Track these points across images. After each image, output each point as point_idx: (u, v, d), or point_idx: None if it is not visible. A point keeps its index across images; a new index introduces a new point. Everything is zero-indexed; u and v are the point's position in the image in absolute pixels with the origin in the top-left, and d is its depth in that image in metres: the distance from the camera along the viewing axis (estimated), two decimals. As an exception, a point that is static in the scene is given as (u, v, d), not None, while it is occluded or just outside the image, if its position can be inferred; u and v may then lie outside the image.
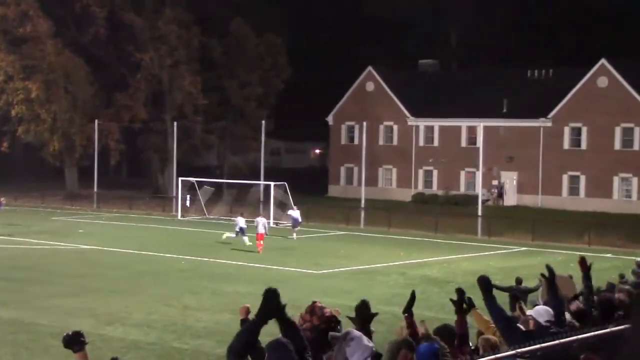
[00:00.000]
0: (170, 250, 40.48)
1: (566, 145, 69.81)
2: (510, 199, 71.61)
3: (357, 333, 6.72)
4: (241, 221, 42.81)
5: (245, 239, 42.11)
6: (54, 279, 32.04)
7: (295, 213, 47.57)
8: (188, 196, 61.73)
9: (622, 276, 25.65)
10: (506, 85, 72.30)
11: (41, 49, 73.41)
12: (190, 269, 35.16)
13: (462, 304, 10.21)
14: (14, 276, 32.12)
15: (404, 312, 10.05)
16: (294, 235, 46.74)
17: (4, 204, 52.71)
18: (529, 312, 11.12)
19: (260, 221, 42.22)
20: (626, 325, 8.56)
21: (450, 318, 15.81)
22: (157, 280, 32.11)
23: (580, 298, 15.36)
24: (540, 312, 10.32)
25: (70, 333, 6.83)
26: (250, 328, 6.34)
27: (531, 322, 10.59)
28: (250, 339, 6.30)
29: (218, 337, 22.64)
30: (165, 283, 31.59)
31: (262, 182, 61.30)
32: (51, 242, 43.59)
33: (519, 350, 6.95)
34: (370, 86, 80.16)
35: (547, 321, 10.12)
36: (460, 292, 10.54)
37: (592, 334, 8.66)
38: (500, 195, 71.57)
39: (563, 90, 69.21)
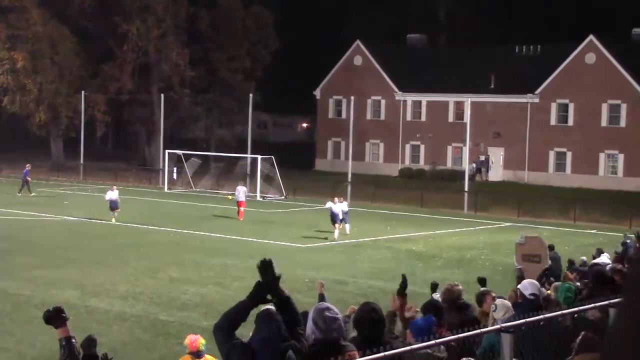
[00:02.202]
0: (157, 222, 40.41)
1: (553, 121, 69.89)
2: (497, 174, 71.76)
3: (326, 304, 6.80)
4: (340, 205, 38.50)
5: (347, 226, 38.83)
6: (39, 250, 31.96)
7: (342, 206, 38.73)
8: (175, 168, 61.62)
9: (600, 250, 25.83)
10: (494, 61, 72.24)
11: (27, 18, 72.80)
12: (176, 242, 35.12)
13: (405, 289, 10.31)
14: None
15: (398, 294, 10.06)
16: (347, 227, 39.02)
17: (28, 170, 54.44)
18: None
19: (241, 189, 44.43)
20: (616, 300, 8.62)
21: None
22: (143, 253, 32.07)
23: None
24: (525, 285, 10.48)
25: (51, 309, 6.80)
26: (240, 307, 6.36)
27: (517, 295, 10.69)
28: (239, 318, 6.33)
29: (204, 309, 22.68)
30: (151, 255, 31.56)
31: (249, 156, 61.21)
32: (36, 213, 43.45)
33: (503, 325, 6.96)
34: (358, 60, 79.93)
35: (532, 294, 10.23)
36: (404, 278, 10.60)
37: (578, 309, 8.69)
38: (479, 170, 71.60)
39: (550, 67, 69.19)
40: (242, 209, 43.68)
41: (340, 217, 37.44)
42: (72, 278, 26.41)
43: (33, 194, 52.90)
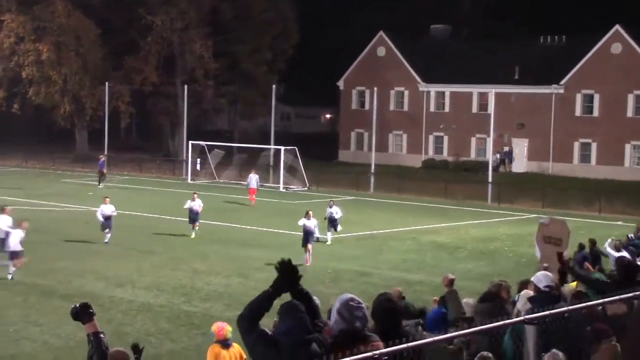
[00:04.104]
0: (180, 213, 40.47)
1: (578, 112, 69.41)
2: (521, 165, 71.40)
3: (349, 294, 6.81)
4: (330, 210, 34.32)
5: (330, 235, 33.88)
6: (64, 241, 32.15)
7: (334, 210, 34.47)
8: (198, 160, 61.82)
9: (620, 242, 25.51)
10: (518, 52, 71.80)
11: (52, 10, 73.22)
12: (200, 233, 35.19)
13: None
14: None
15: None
16: (329, 236, 34.01)
17: (104, 160, 55.77)
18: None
19: (253, 177, 47.08)
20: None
21: (459, 284, 15.86)
22: (167, 244, 32.20)
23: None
24: (539, 277, 10.38)
25: (77, 305, 6.82)
26: (263, 298, 6.40)
27: (531, 287, 10.63)
28: (262, 309, 6.37)
29: (227, 300, 22.76)
30: (175, 246, 31.67)
31: (272, 147, 61.28)
32: (61, 205, 43.70)
33: (526, 317, 6.92)
34: (381, 51, 79.70)
35: (547, 286, 10.16)
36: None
37: (601, 301, 8.63)
38: (503, 161, 71.26)
39: (576, 57, 68.69)
40: (253, 195, 46.31)
41: (317, 234, 31.05)
42: (96, 269, 26.55)
43: (100, 186, 53.62)
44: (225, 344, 12.45)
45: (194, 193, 36.34)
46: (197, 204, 34.68)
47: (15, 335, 19.15)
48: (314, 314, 6.47)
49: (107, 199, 32.80)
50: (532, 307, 9.13)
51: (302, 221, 29.98)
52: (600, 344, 8.10)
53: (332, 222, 33.81)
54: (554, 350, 7.10)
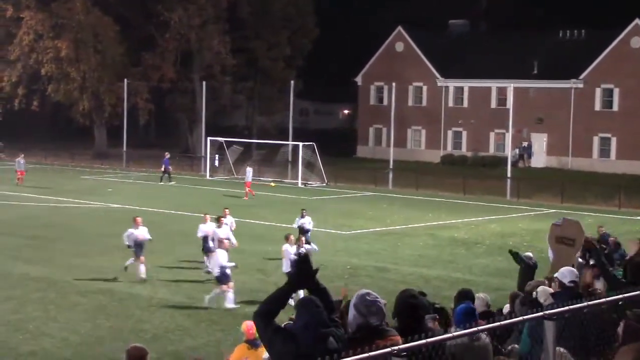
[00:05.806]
0: (199, 209, 40.54)
1: (597, 106, 69.02)
2: (540, 160, 71.09)
3: (365, 290, 6.80)
4: (302, 221, 30.10)
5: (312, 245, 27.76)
6: (83, 237, 32.28)
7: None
8: (217, 156, 61.91)
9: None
10: (537, 46, 71.46)
11: (70, 7, 73.44)
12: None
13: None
14: (43, 234, 32.39)
15: None
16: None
17: (168, 157, 56.88)
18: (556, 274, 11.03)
19: (249, 171, 50.01)
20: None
21: (477, 280, 15.86)
22: (186, 240, 32.19)
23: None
24: (564, 273, 10.30)
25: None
26: (279, 294, 6.40)
27: (555, 283, 10.54)
28: (278, 305, 6.37)
29: (245, 296, 22.77)
30: (193, 242, 31.66)
31: (290, 143, 61.28)
32: (80, 201, 43.89)
33: (546, 312, 6.88)
34: (399, 46, 79.54)
35: (571, 281, 10.08)
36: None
37: (621, 296, 8.55)
38: (522, 156, 70.96)
39: (595, 51, 68.30)
40: (248, 189, 48.03)
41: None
42: (115, 265, 26.61)
43: (172, 183, 54.87)
44: (253, 343, 12.48)
45: (225, 209, 30.76)
46: (227, 222, 28.82)
47: (35, 331, 19.25)
48: (330, 309, 6.47)
49: (227, 210, 29.48)
50: (555, 303, 9.05)
51: (286, 247, 23.66)
52: (632, 344, 7.98)
53: (303, 235, 27.58)
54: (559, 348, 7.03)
